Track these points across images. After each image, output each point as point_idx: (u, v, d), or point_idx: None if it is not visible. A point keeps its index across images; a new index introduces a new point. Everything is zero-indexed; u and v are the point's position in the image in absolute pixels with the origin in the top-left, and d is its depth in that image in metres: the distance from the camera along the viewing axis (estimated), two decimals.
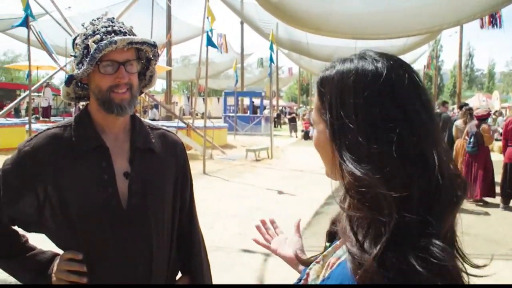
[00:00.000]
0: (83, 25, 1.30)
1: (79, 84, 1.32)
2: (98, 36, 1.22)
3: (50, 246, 1.35)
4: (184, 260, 1.48)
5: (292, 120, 24.57)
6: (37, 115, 19.07)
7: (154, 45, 1.32)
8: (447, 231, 0.68)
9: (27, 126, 10.17)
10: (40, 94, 19.74)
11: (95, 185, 1.25)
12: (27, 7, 7.81)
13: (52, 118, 18.22)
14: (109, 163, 1.28)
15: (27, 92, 10.38)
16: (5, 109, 12.09)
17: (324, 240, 0.89)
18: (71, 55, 1.30)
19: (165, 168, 1.39)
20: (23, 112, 22.67)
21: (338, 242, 0.75)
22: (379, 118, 0.69)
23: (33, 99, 19.22)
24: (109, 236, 1.25)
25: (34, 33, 10.88)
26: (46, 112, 18.80)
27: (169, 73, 21.17)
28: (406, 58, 28.54)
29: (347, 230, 0.70)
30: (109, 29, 1.24)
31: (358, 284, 0.65)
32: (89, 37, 1.23)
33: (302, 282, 0.80)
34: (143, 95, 17.82)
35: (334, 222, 0.87)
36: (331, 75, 0.76)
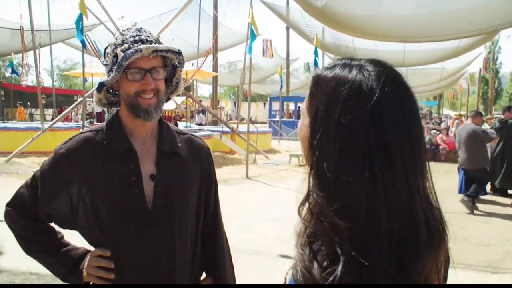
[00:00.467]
0: (114, 35, 1.38)
1: (111, 90, 1.41)
2: (126, 45, 1.29)
3: (83, 242, 1.45)
4: (208, 261, 1.52)
5: None
6: (92, 119, 20.07)
7: (179, 53, 1.38)
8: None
9: (81, 130, 10.75)
10: (93, 99, 20.74)
11: (123, 186, 1.33)
12: (77, 23, 8.25)
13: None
14: (136, 165, 1.35)
15: (82, 98, 10.98)
16: (62, 113, 12.84)
17: None
18: (102, 63, 1.39)
19: (190, 172, 1.45)
20: (79, 116, 23.95)
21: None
22: (357, 146, 0.65)
23: (89, 104, 20.27)
24: (134, 235, 1.32)
25: (89, 43, 11.50)
26: (100, 117, 19.74)
27: (215, 78, 21.58)
28: (460, 60, 27.34)
29: (302, 241, 0.69)
30: (136, 38, 1.32)
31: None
32: (118, 46, 1.31)
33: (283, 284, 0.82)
34: (190, 100, 18.22)
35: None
36: (327, 77, 0.72)
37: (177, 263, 1.36)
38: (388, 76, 0.70)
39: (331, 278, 0.62)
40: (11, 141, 11.87)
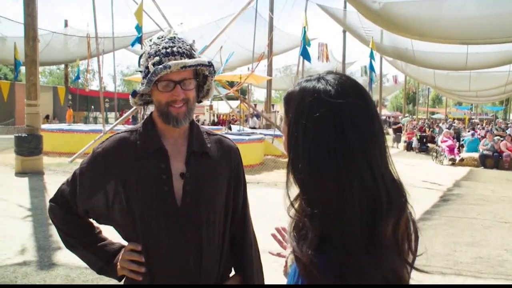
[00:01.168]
0: (148, 44, 1.44)
1: (143, 95, 1.47)
2: (157, 58, 1.35)
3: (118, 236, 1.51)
4: (236, 260, 1.54)
5: (397, 131, 23.44)
6: None
7: (209, 65, 1.41)
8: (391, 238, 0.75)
9: None
10: None
11: (154, 184, 1.38)
12: (137, 28, 8.64)
13: None
14: (167, 164, 1.40)
15: None
16: (123, 116, 13.52)
17: None
18: (137, 71, 1.46)
19: (219, 171, 1.47)
20: (140, 120, 25.07)
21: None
22: (322, 144, 0.77)
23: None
24: (164, 231, 1.36)
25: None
26: None
27: (269, 82, 21.69)
28: None
29: (289, 232, 0.81)
30: (169, 50, 1.36)
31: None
32: (151, 56, 1.37)
33: (283, 269, 0.94)
34: (244, 104, 18.41)
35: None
36: (295, 91, 0.86)
37: (204, 259, 1.39)
38: (342, 80, 0.83)
39: (313, 254, 0.74)
40: (76, 143, 12.67)
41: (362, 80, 44.02)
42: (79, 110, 26.10)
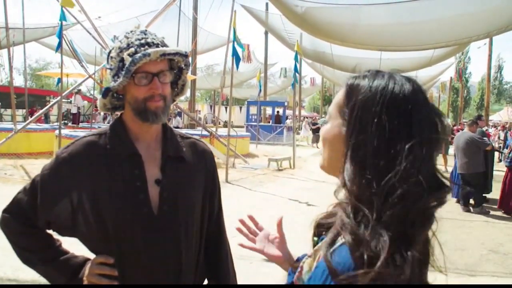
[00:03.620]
0: (117, 38, 1.35)
1: (115, 95, 1.37)
2: (132, 49, 1.26)
3: (80, 248, 1.40)
4: (211, 266, 1.50)
5: (316, 131, 24.48)
6: (66, 121, 19.58)
7: (186, 55, 1.36)
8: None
9: (56, 131, 10.47)
10: (69, 100, 20.29)
11: (127, 191, 1.29)
12: (62, 15, 8.06)
13: (80, 124, 18.69)
14: (141, 170, 1.32)
15: (58, 98, 10.70)
16: (36, 114, 12.49)
17: (312, 230, 0.99)
18: (107, 68, 1.35)
19: (195, 176, 1.42)
20: (52, 118, 23.31)
21: (326, 238, 0.82)
22: (391, 135, 0.76)
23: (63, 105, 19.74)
24: (140, 241, 1.28)
25: (66, 42, 11.23)
26: (75, 118, 19.27)
27: (193, 82, 21.43)
28: (433, 70, 28.09)
29: (344, 219, 0.77)
30: (143, 41, 1.29)
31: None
32: (124, 50, 1.28)
33: (296, 275, 0.89)
34: None
35: (319, 224, 0.97)
36: (362, 85, 0.84)
37: (183, 269, 1.34)
38: (414, 83, 0.84)
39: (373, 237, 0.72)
40: None
41: (281, 81, 45.31)
42: None
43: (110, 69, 1.33)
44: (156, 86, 1.28)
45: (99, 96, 1.39)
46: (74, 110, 19.42)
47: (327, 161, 0.90)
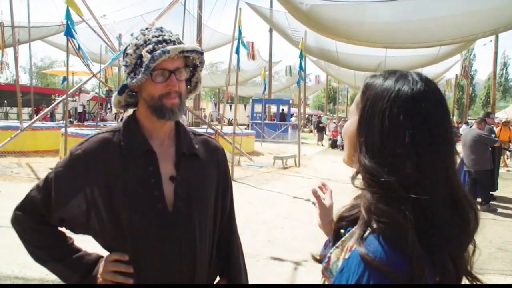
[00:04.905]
0: (132, 35, 1.35)
1: (129, 92, 1.37)
2: (150, 46, 1.26)
3: (93, 246, 1.39)
4: (223, 264, 1.50)
5: (322, 129, 24.46)
6: (71, 119, 19.65)
7: (201, 52, 1.35)
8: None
9: (62, 130, 10.51)
10: (74, 99, 20.36)
11: (142, 188, 1.29)
12: (67, 15, 8.09)
13: (85, 122, 18.76)
14: (156, 167, 1.31)
15: (63, 96, 10.73)
16: (42, 113, 12.52)
17: (334, 224, 1.03)
18: (123, 65, 1.35)
19: (208, 173, 1.42)
20: (57, 116, 23.41)
21: (353, 229, 0.85)
22: (397, 129, 0.81)
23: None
24: (155, 238, 1.28)
25: (71, 41, 11.26)
26: (81, 117, 19.34)
27: None
28: (438, 67, 27.96)
29: (371, 205, 0.81)
30: (160, 38, 1.28)
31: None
32: (141, 47, 1.28)
33: (323, 265, 0.92)
34: None
35: (342, 217, 1.01)
36: (376, 83, 0.90)
37: (197, 266, 1.33)
38: (426, 79, 0.88)
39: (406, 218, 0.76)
40: None
41: (286, 79, 45.27)
42: None
43: (126, 65, 1.32)
44: (173, 83, 1.28)
45: (114, 93, 1.38)
46: (80, 109, 19.48)
47: (347, 155, 0.95)
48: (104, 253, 1.36)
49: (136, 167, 1.30)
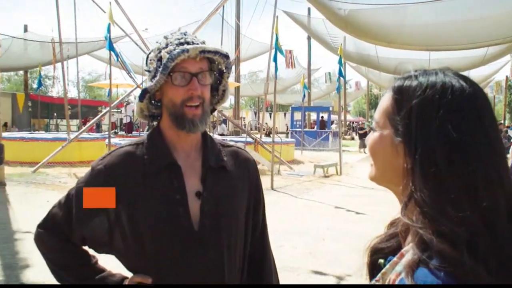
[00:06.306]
0: (157, 42, 1.29)
1: (153, 101, 1.30)
2: (171, 47, 1.20)
3: (117, 265, 1.33)
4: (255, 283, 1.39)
5: (364, 136, 23.91)
6: (115, 130, 20.28)
7: (226, 56, 1.27)
8: None
9: (107, 140, 10.83)
10: (119, 110, 21.03)
11: (166, 205, 1.21)
12: (107, 32, 8.39)
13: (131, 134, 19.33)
14: (180, 182, 1.23)
15: (107, 108, 11.07)
16: (88, 124, 13.01)
17: (367, 257, 0.86)
18: (145, 70, 1.29)
19: (238, 188, 1.32)
20: (104, 127, 24.27)
21: (395, 259, 0.73)
22: (465, 140, 0.67)
23: (113, 114, 20.53)
24: (179, 258, 1.20)
25: (114, 54, 11.64)
26: (129, 128, 19.87)
27: (237, 89, 21.60)
28: (486, 69, 26.68)
29: (429, 244, 0.65)
30: (182, 40, 1.22)
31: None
32: (162, 49, 1.21)
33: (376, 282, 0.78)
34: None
35: (377, 249, 0.85)
36: (412, 85, 0.73)
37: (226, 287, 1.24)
38: (469, 79, 0.73)
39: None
40: (39, 152, 12.04)
41: (326, 86, 44.83)
42: (41, 117, 24.98)
43: (149, 71, 1.26)
44: (195, 86, 1.20)
45: (135, 100, 1.32)
46: (126, 120, 20.08)
47: (378, 174, 0.81)
48: (128, 273, 1.30)
49: (159, 182, 1.22)
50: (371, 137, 0.81)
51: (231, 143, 1.47)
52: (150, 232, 1.19)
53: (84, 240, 1.28)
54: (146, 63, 1.28)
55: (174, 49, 1.18)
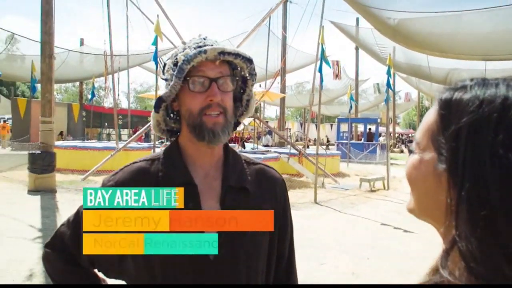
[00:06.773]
0: (174, 46, 1.18)
1: (171, 114, 1.19)
2: (188, 51, 1.09)
3: None
4: None
5: None
6: (163, 140, 20.74)
7: (250, 60, 1.14)
8: None
9: (152, 151, 11.06)
10: None
11: None
12: (153, 44, 8.62)
13: None
14: (196, 203, 1.10)
15: None
16: (135, 134, 13.37)
17: None
18: (162, 79, 1.18)
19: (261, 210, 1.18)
20: (153, 137, 24.99)
21: None
22: None
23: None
24: None
25: (162, 65, 11.94)
26: None
27: (282, 100, 21.51)
28: None
29: None
30: (201, 44, 1.10)
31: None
32: (179, 53, 1.11)
33: None
34: (257, 121, 18.27)
35: None
36: (464, 98, 0.58)
37: None
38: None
39: None
40: (89, 160, 12.51)
41: (374, 97, 43.80)
42: (93, 126, 26.15)
43: (166, 80, 1.15)
44: (214, 92, 1.07)
45: (151, 112, 1.21)
46: None
47: (417, 205, 0.66)
48: None
49: None
50: (410, 161, 0.66)
51: (258, 160, 1.33)
52: (160, 261, 1.08)
53: (92, 263, 1.18)
54: (163, 72, 1.18)
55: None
